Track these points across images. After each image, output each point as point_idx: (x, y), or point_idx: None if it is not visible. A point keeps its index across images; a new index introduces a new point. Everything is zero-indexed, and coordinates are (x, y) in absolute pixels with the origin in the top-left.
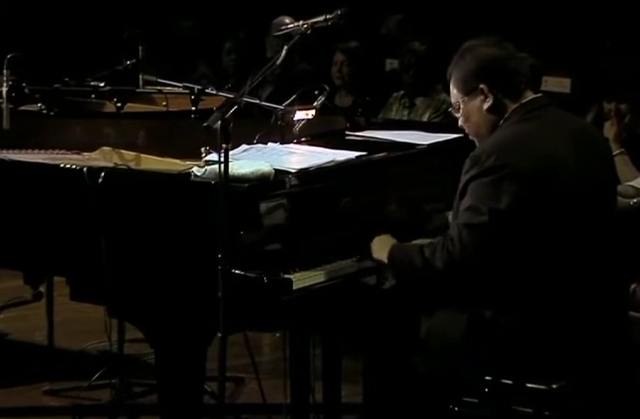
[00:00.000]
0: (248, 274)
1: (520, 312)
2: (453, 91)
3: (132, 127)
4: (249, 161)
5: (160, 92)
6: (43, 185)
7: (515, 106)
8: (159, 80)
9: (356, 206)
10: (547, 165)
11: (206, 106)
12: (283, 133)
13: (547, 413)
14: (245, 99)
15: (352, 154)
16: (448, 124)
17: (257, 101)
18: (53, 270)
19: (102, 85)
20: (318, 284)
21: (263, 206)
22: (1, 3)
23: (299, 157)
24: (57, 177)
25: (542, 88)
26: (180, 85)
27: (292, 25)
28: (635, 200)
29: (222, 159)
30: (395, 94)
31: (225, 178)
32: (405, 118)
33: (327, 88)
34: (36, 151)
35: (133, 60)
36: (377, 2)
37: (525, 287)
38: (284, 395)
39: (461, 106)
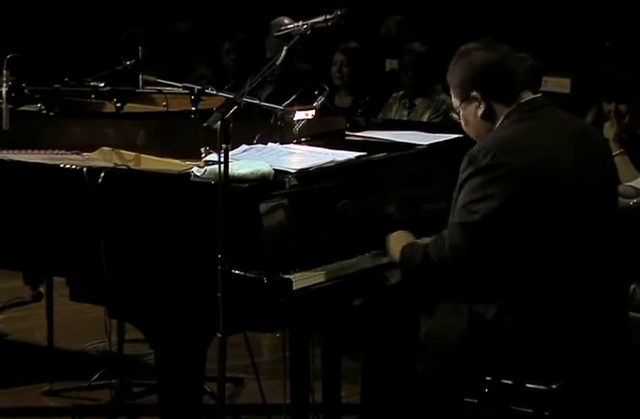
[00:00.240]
0: (248, 274)
1: (520, 312)
2: (452, 96)
3: (132, 127)
4: (249, 161)
5: (159, 92)
6: (43, 185)
7: (511, 108)
8: (158, 80)
9: (355, 206)
10: (543, 165)
11: (205, 106)
12: (283, 133)
13: (547, 413)
14: (245, 99)
15: (352, 155)
16: (448, 124)
17: (257, 101)
18: (53, 270)
19: (102, 85)
20: (318, 284)
21: (263, 206)
22: (1, 4)
23: (299, 157)
24: (56, 177)
25: (542, 88)
26: (180, 85)
27: (292, 26)
28: (635, 200)
29: (222, 159)
30: (395, 95)
31: (225, 178)
32: (405, 118)
33: (327, 88)
34: (36, 151)
35: (133, 60)
36: (377, 2)
37: (525, 287)
38: (284, 396)
39: (460, 112)
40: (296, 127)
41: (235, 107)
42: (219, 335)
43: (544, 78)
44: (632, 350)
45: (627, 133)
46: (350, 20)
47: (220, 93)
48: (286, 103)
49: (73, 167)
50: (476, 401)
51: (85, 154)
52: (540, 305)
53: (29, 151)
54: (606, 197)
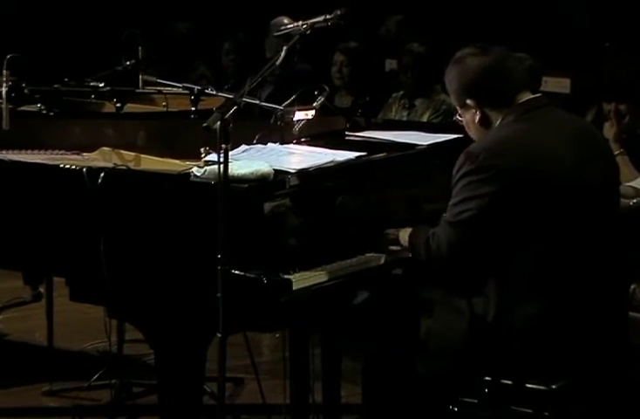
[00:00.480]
0: (248, 274)
1: (520, 313)
2: (452, 101)
3: (132, 127)
4: (249, 161)
5: (159, 92)
6: (42, 185)
7: (507, 111)
8: (158, 81)
9: (355, 206)
10: (539, 165)
11: (205, 106)
12: (283, 133)
13: (546, 413)
14: (245, 99)
15: (352, 155)
16: (448, 124)
17: (257, 101)
18: (53, 270)
19: (102, 85)
20: (318, 284)
21: (263, 206)
22: (1, 4)
23: (299, 157)
24: (56, 178)
25: (542, 88)
26: (180, 85)
27: (292, 26)
28: (635, 200)
29: (222, 159)
30: (394, 95)
31: (224, 178)
32: (405, 118)
33: (327, 88)
34: (35, 151)
35: (133, 60)
36: (377, 2)
37: (524, 287)
38: (284, 396)
39: (462, 116)
40: (296, 127)
41: (235, 107)
42: (219, 335)
43: (544, 79)
44: (632, 350)
45: (627, 133)
46: (350, 20)
47: (219, 93)
48: (286, 103)
49: (73, 167)
50: (476, 401)
51: (84, 154)
52: (540, 305)
53: (29, 151)
54: (607, 197)
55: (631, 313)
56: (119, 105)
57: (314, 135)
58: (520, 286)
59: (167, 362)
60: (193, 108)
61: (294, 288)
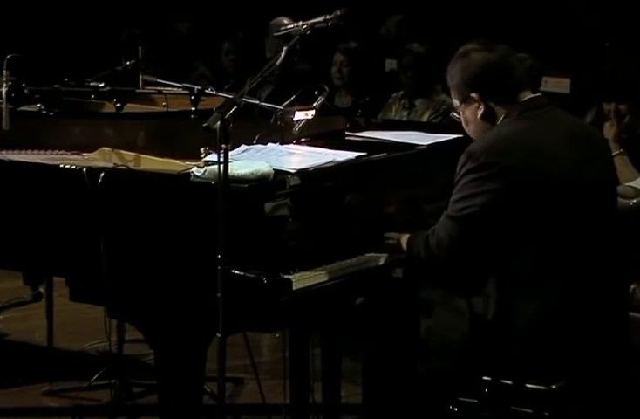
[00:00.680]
0: (248, 274)
1: (520, 312)
2: (452, 97)
3: (132, 127)
4: (249, 161)
5: (159, 92)
6: (42, 186)
7: (510, 108)
8: (158, 81)
9: (355, 206)
10: (538, 164)
11: (205, 106)
12: (283, 133)
13: (546, 413)
14: (245, 99)
15: (352, 155)
16: (447, 124)
17: (257, 102)
18: (53, 270)
19: (102, 85)
20: (318, 284)
21: (263, 206)
22: (1, 4)
23: (299, 157)
24: (56, 178)
25: (542, 88)
26: (180, 85)
27: (292, 26)
28: (635, 200)
29: (222, 159)
30: (394, 95)
31: (224, 178)
32: (405, 118)
33: (326, 88)
34: (35, 151)
35: (133, 60)
36: (377, 2)
37: (524, 286)
38: (284, 396)
39: (461, 112)
40: (296, 127)
41: (235, 107)
42: (219, 335)
43: (544, 79)
44: (632, 350)
45: (627, 133)
46: (350, 20)
47: (219, 93)
48: (286, 103)
49: (73, 167)
50: (476, 401)
51: (84, 154)
52: (540, 304)
53: (29, 151)
54: (605, 197)
55: (631, 313)
56: (119, 105)
57: (314, 135)
58: (520, 286)
59: (167, 362)
60: (193, 108)
61: (294, 288)
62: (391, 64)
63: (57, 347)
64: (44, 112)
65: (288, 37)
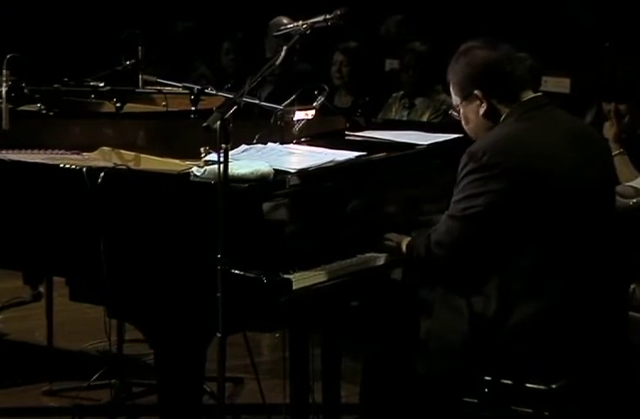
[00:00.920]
0: (248, 274)
1: (520, 312)
2: (452, 94)
3: (132, 127)
4: (249, 161)
5: (159, 92)
6: (42, 185)
7: (513, 107)
8: (158, 80)
9: (355, 206)
10: (541, 164)
11: (205, 106)
12: (283, 133)
13: (546, 413)
14: (244, 99)
15: (352, 154)
16: (448, 124)
17: (257, 101)
18: (53, 270)
19: (101, 85)
20: (318, 284)
21: (263, 206)
22: (1, 4)
23: (299, 157)
24: (56, 177)
25: (542, 88)
26: (180, 85)
27: (291, 25)
28: (634, 200)
29: (222, 159)
30: (395, 95)
31: (224, 178)
32: (405, 118)
33: (326, 88)
34: (35, 151)
35: (133, 60)
36: (377, 2)
37: (524, 286)
38: (284, 396)
39: (460, 110)
40: (296, 127)
41: (235, 107)
42: (219, 335)
43: (544, 78)
44: (632, 350)
45: (627, 133)
46: (350, 20)
47: (219, 93)
48: (286, 103)
49: (73, 167)
50: (476, 401)
51: (84, 154)
52: (540, 304)
53: (29, 151)
54: (605, 197)
55: (631, 313)
56: (118, 105)
57: (314, 135)
58: (520, 286)
59: (167, 362)
60: (193, 108)
61: (294, 288)
62: (391, 63)
63: (57, 347)
64: (43, 112)
65: (287, 36)
